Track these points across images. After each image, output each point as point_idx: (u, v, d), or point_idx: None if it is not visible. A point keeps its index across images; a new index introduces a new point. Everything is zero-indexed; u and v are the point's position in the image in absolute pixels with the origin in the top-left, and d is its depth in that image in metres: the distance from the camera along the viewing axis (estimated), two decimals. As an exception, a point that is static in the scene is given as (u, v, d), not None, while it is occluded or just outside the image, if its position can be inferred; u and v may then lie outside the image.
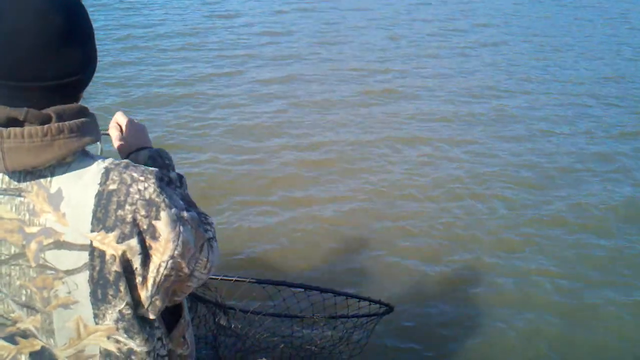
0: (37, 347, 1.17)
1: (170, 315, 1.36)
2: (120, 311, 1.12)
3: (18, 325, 1.16)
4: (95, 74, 1.18)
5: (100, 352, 1.17)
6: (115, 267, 1.08)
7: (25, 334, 1.17)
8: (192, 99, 6.30)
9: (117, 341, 1.17)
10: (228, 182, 4.64)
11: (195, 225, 1.20)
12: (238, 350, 2.66)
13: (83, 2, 1.15)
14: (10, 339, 1.17)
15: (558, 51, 8.94)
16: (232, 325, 2.54)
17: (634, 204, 4.69)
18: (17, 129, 1.02)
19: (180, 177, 1.37)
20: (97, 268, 1.08)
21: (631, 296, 3.66)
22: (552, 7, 12.00)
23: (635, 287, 3.74)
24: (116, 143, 1.42)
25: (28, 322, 1.15)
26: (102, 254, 1.07)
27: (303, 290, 2.45)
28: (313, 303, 2.50)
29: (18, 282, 1.11)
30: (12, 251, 1.09)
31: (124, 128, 1.43)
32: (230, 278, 2.38)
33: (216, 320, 2.56)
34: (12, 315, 1.15)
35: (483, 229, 4.25)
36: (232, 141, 5.38)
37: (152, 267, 1.12)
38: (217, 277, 2.32)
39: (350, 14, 10.59)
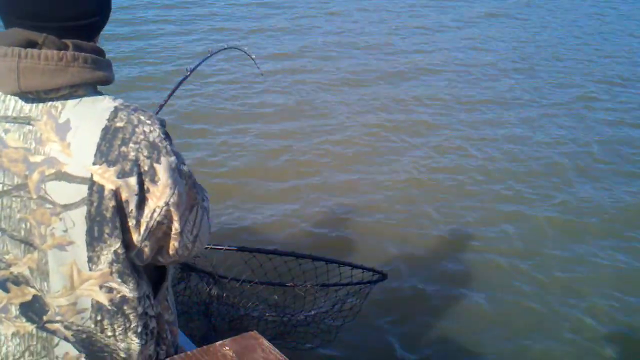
0: (29, 297, 1.17)
1: (155, 277, 1.34)
2: (115, 251, 1.13)
3: (12, 269, 1.15)
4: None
5: (92, 305, 1.17)
6: (113, 203, 1.09)
7: (17, 280, 1.16)
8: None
9: (110, 290, 1.16)
10: (224, 153, 4.61)
11: (191, 183, 1.23)
12: (231, 320, 2.66)
13: None
14: (2, 284, 1.16)
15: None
16: (224, 294, 2.53)
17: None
18: (35, 50, 1.05)
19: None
20: (95, 204, 1.09)
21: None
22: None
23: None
24: None
25: (23, 264, 1.14)
26: (101, 188, 1.08)
27: (295, 258, 2.44)
28: (305, 271, 2.49)
29: (18, 215, 1.11)
30: (15, 181, 1.09)
31: None
32: (220, 247, 2.37)
33: (208, 289, 2.55)
34: (7, 257, 1.15)
35: (477, 199, 4.24)
36: (235, 116, 5.33)
37: (147, 211, 1.14)
38: (207, 246, 2.30)
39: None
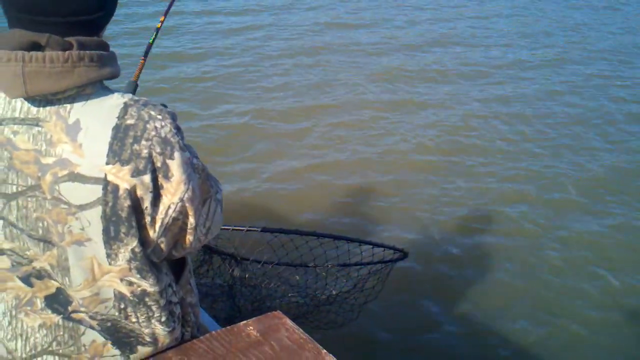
0: (52, 290, 1.18)
1: (175, 265, 1.36)
2: (132, 250, 1.13)
3: (34, 264, 1.16)
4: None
5: (115, 295, 1.17)
6: (128, 202, 1.08)
7: (40, 274, 1.17)
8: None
9: (130, 283, 1.16)
10: (239, 136, 4.61)
11: (204, 177, 1.22)
12: (254, 300, 2.68)
13: None
14: (26, 279, 1.17)
15: None
16: (247, 276, 2.55)
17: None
18: (39, 53, 1.02)
19: None
20: (110, 204, 1.08)
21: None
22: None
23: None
24: None
25: (44, 260, 1.14)
26: (116, 188, 1.07)
27: (316, 238, 2.44)
28: (326, 251, 2.49)
29: (35, 215, 1.11)
30: (29, 182, 1.09)
31: None
32: (241, 228, 2.37)
33: (231, 270, 2.57)
34: (28, 253, 1.15)
35: (495, 178, 4.20)
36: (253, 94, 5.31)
37: (162, 207, 1.13)
38: (228, 228, 2.31)
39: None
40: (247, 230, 2.36)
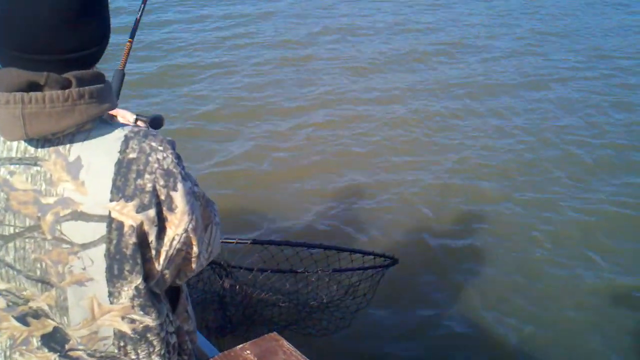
0: (49, 329, 1.15)
1: (170, 291, 1.34)
2: (137, 287, 1.11)
3: (30, 304, 1.13)
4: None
5: (115, 333, 1.15)
6: (134, 239, 1.06)
7: (37, 314, 1.14)
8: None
9: (132, 321, 1.15)
10: (223, 137, 4.58)
11: (205, 203, 1.21)
12: (245, 308, 2.67)
13: None
14: (22, 319, 1.15)
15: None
16: (237, 286, 2.54)
17: None
18: (39, 94, 0.98)
19: None
20: (115, 241, 1.05)
21: None
22: None
23: None
24: None
25: (41, 300, 1.12)
26: (120, 225, 1.05)
27: (306, 248, 2.44)
28: (317, 261, 2.49)
29: (33, 256, 1.08)
30: (27, 223, 1.06)
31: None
32: (231, 240, 2.36)
33: (221, 282, 2.56)
34: (24, 293, 1.12)
35: (484, 175, 4.23)
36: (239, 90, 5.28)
37: (167, 240, 1.11)
38: (218, 240, 2.29)
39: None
40: (237, 243, 2.35)
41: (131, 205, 1.05)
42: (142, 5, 1.97)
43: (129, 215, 1.05)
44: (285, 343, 1.43)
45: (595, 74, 6.16)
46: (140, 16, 1.95)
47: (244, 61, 6.02)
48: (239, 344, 1.43)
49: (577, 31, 7.50)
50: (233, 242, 2.37)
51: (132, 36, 1.92)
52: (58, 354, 1.17)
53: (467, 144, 4.62)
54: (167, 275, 1.17)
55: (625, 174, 4.34)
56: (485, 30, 7.39)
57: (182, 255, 1.17)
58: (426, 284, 3.22)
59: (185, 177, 1.11)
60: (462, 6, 8.33)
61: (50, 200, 1.04)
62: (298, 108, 5.10)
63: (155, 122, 1.57)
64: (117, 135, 1.07)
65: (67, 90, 1.00)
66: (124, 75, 1.79)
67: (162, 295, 1.23)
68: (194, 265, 1.22)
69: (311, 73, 5.82)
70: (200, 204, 1.17)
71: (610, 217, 3.83)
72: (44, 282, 1.10)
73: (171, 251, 1.13)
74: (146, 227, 1.07)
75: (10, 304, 1.14)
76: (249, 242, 2.36)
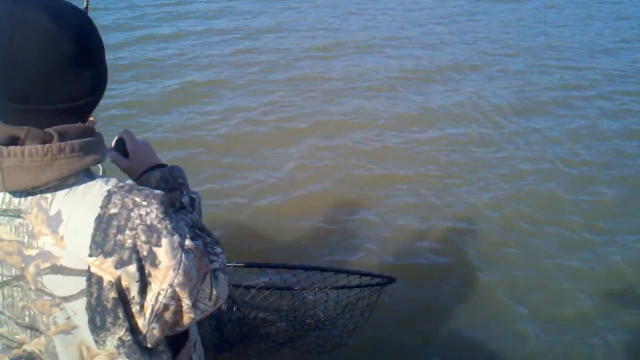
0: None
1: (177, 336, 1.33)
2: (120, 338, 1.10)
3: (24, 347, 1.14)
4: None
5: None
6: (113, 294, 1.06)
7: (31, 356, 1.16)
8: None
9: None
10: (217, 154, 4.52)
11: (200, 254, 1.16)
12: (242, 326, 2.66)
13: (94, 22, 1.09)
14: None
15: None
16: (234, 308, 2.53)
17: None
18: (18, 148, 0.99)
19: (193, 200, 1.32)
20: (95, 295, 1.05)
21: None
22: None
23: None
24: (124, 164, 1.39)
25: (33, 345, 1.13)
26: (100, 280, 1.04)
27: (303, 270, 2.42)
28: (314, 282, 2.47)
29: (21, 304, 1.09)
30: (13, 272, 1.07)
31: (130, 147, 1.39)
32: (228, 265, 2.33)
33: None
34: (17, 337, 1.14)
35: (476, 188, 4.22)
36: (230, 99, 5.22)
37: (151, 295, 1.10)
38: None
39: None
40: (234, 267, 2.33)
41: (110, 261, 1.04)
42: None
43: (107, 270, 1.04)
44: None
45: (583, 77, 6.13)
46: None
47: (255, 79, 5.92)
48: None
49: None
50: (230, 266, 2.35)
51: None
52: None
53: (460, 161, 4.60)
54: (155, 331, 1.15)
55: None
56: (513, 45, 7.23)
57: (171, 309, 1.14)
58: (424, 304, 3.22)
59: (173, 232, 1.09)
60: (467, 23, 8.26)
61: (32, 252, 1.05)
62: (293, 130, 5.03)
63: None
64: (100, 190, 1.06)
65: (46, 145, 1.00)
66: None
67: (161, 344, 1.22)
68: (190, 315, 1.19)
69: (298, 94, 5.71)
70: (193, 255, 1.14)
71: (608, 229, 3.84)
72: (33, 329, 1.12)
73: (157, 305, 1.11)
74: (125, 283, 1.06)
75: (5, 347, 1.16)
76: (244, 265, 2.34)
